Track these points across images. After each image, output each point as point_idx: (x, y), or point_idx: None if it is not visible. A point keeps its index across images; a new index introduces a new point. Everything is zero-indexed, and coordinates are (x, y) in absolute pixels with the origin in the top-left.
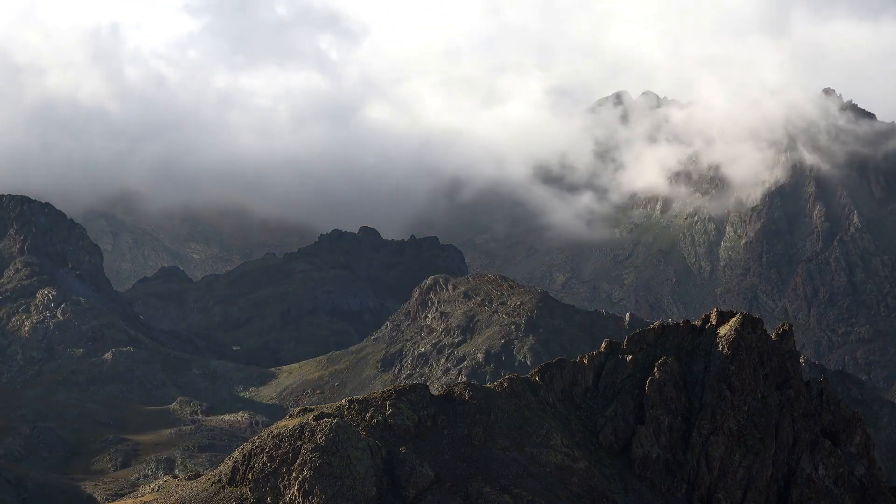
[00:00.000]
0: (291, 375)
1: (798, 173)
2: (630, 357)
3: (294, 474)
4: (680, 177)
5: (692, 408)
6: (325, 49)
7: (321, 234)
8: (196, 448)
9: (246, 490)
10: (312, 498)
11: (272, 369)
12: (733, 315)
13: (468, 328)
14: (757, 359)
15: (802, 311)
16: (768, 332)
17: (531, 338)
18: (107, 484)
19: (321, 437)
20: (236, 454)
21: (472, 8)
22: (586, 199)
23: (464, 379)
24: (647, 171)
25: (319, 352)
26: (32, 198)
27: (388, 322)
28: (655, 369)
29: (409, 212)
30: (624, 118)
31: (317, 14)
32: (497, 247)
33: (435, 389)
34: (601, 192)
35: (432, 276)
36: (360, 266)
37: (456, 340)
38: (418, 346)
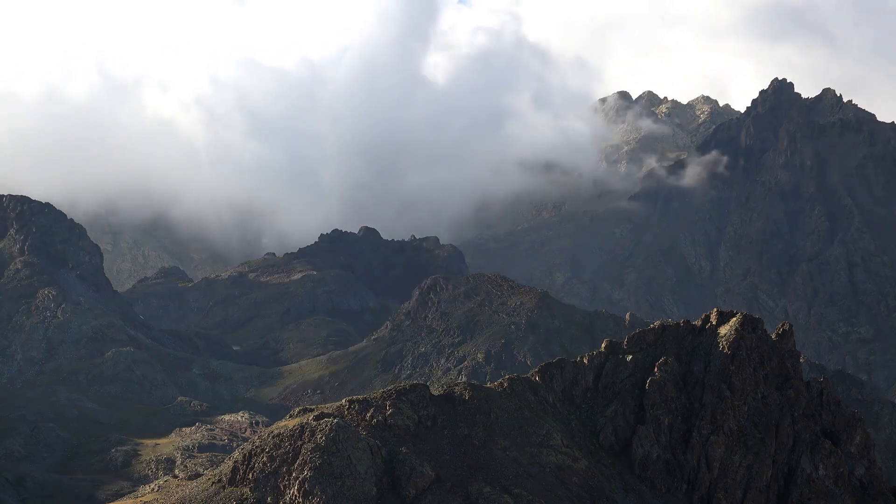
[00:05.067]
0: (291, 375)
1: (798, 173)
2: (630, 357)
3: (294, 474)
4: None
5: (692, 408)
6: None
7: (321, 234)
8: (196, 448)
9: (246, 490)
10: (312, 498)
11: (273, 369)
12: (733, 315)
13: (468, 328)
14: (757, 359)
15: (802, 311)
16: (768, 332)
17: (531, 338)
18: (107, 484)
19: (321, 437)
20: (236, 454)
21: None
22: None
23: (464, 379)
24: None
25: (319, 352)
26: (33, 198)
27: (388, 322)
28: (655, 369)
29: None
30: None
31: None
32: (497, 247)
33: (435, 389)
34: None
35: (432, 276)
36: (360, 266)
37: (456, 340)
38: (418, 346)
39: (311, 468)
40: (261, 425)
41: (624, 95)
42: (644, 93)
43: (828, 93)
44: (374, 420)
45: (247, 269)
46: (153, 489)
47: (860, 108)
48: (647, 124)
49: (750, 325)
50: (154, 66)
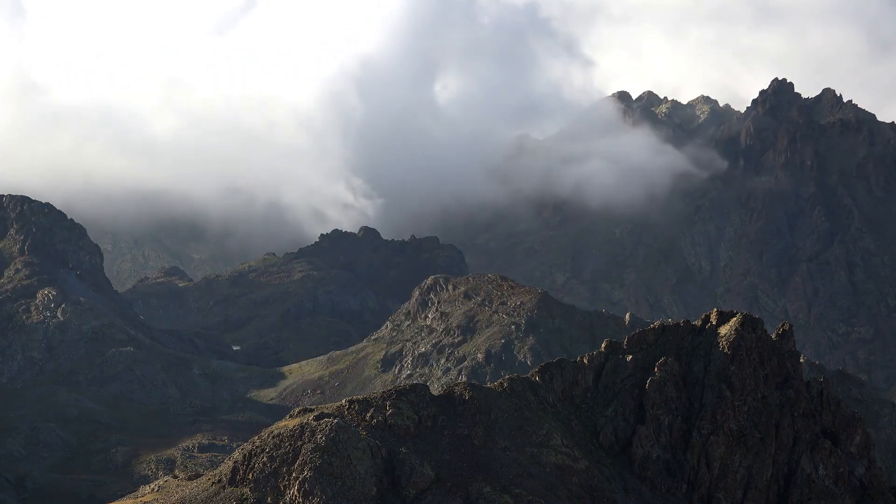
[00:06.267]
0: (291, 375)
1: (798, 173)
2: (630, 357)
3: (294, 474)
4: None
5: (692, 408)
6: None
7: (321, 234)
8: (196, 448)
9: (246, 490)
10: (312, 498)
11: (273, 369)
12: (733, 315)
13: (468, 328)
14: (757, 359)
15: (802, 311)
16: (768, 332)
17: (531, 338)
18: (107, 484)
19: (321, 437)
20: (236, 454)
21: None
22: None
23: (464, 379)
24: None
25: (319, 352)
26: (33, 198)
27: (388, 322)
28: (655, 369)
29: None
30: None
31: None
32: (497, 247)
33: (435, 389)
34: None
35: (432, 276)
36: (360, 266)
37: (456, 340)
38: (418, 346)
39: (311, 468)
40: (261, 425)
41: (623, 95)
42: (644, 93)
43: (828, 93)
44: (374, 420)
45: (247, 269)
46: (153, 489)
47: (860, 108)
48: (646, 124)
49: (750, 325)
50: (164, 67)
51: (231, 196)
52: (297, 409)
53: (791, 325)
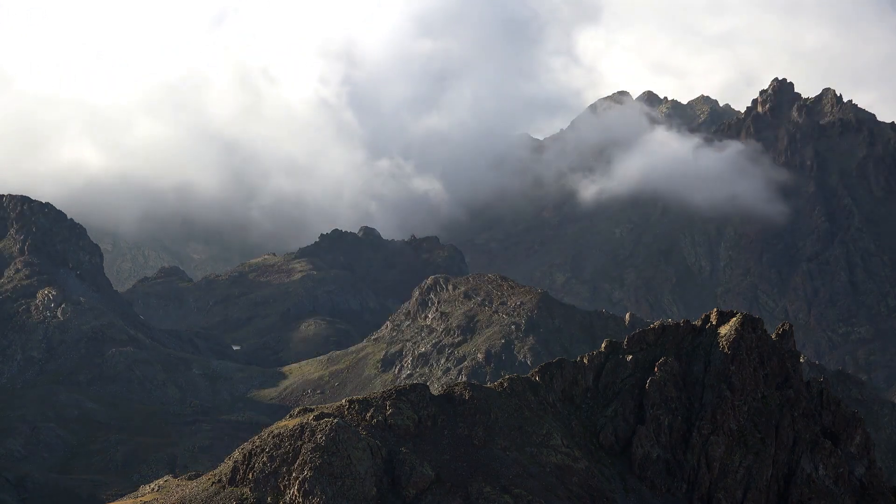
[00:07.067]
0: (291, 375)
1: (798, 173)
2: (630, 357)
3: (294, 474)
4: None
5: (692, 408)
6: None
7: (321, 234)
8: (196, 448)
9: (246, 490)
10: (312, 498)
11: (273, 369)
12: (733, 315)
13: (468, 328)
14: (757, 359)
15: (802, 311)
16: (768, 332)
17: (531, 338)
18: (107, 484)
19: (321, 437)
20: (236, 454)
21: None
22: None
23: (464, 379)
24: None
25: (319, 352)
26: (33, 198)
27: (388, 322)
28: (655, 369)
29: None
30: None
31: None
32: (497, 247)
33: (435, 389)
34: None
35: (432, 276)
36: (360, 266)
37: (456, 340)
38: (418, 346)
39: (311, 468)
40: (261, 425)
41: (623, 95)
42: (644, 93)
43: (828, 93)
44: (374, 420)
45: (247, 269)
46: (153, 489)
47: (860, 108)
48: (646, 124)
49: (750, 325)
50: (164, 67)
51: (234, 195)
52: (297, 409)
53: (791, 325)
